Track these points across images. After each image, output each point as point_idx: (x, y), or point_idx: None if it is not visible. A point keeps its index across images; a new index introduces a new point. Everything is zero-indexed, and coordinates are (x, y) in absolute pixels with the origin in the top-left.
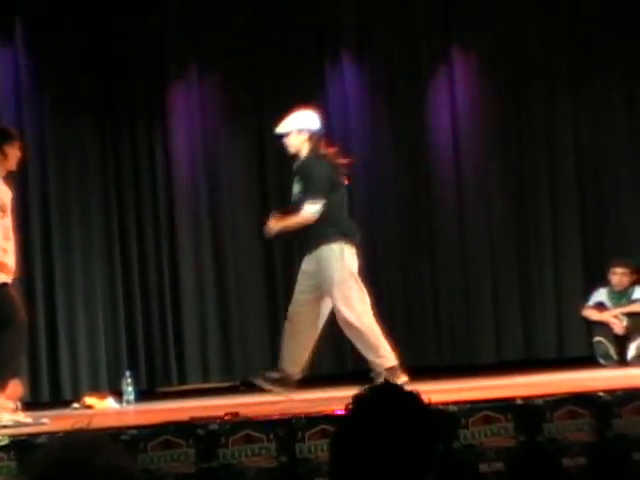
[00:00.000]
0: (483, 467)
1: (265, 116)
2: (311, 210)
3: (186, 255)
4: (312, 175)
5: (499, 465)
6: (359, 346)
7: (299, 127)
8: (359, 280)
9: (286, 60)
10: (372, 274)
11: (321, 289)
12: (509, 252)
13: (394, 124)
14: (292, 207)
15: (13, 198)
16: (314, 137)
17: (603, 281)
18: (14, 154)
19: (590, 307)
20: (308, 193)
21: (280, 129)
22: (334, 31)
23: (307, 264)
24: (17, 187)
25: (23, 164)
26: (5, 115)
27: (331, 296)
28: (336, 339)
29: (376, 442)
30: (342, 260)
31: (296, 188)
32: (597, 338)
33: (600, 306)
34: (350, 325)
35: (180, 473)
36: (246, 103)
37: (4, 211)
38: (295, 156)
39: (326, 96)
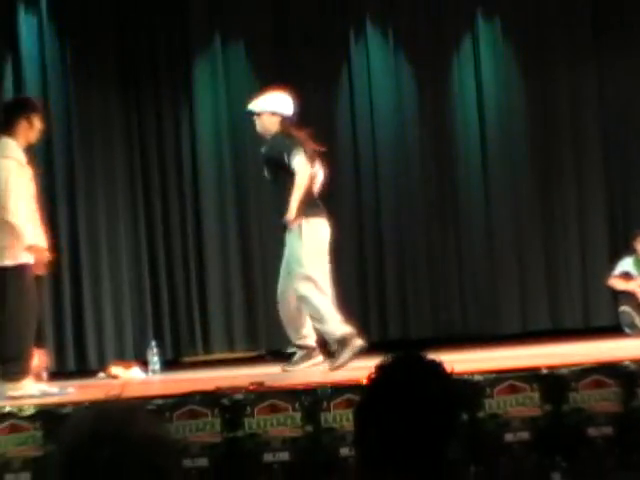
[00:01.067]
0: (508, 436)
1: (289, 85)
2: (300, 164)
3: (211, 225)
4: (282, 144)
5: (524, 435)
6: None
7: (273, 109)
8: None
9: (310, 32)
10: (398, 246)
11: None
12: (534, 223)
13: (419, 95)
14: (272, 193)
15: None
16: (285, 121)
17: (629, 250)
18: (38, 124)
19: (616, 276)
20: (284, 153)
21: (253, 107)
22: (358, 0)
23: None
24: (42, 157)
25: (47, 135)
26: (30, 84)
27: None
28: (362, 310)
29: (399, 411)
30: None
31: (267, 171)
32: (623, 307)
33: (626, 275)
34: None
35: (205, 442)
36: (270, 72)
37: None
38: (262, 136)
39: (350, 65)
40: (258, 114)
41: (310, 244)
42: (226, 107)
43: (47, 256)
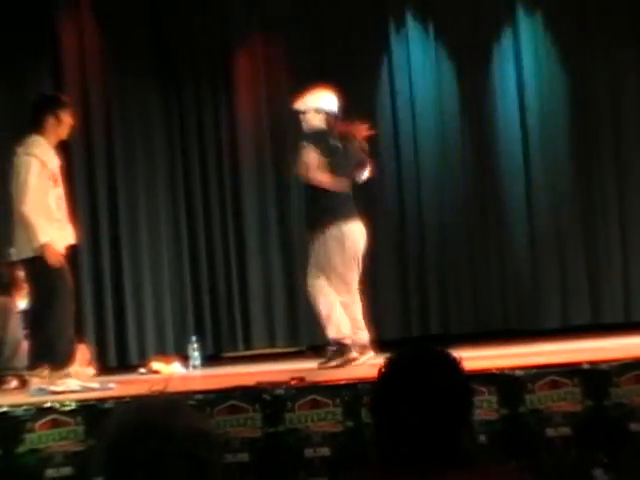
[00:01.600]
0: (550, 432)
1: (329, 82)
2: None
3: (252, 220)
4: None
5: (566, 430)
6: None
7: (317, 106)
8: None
9: (350, 25)
10: (439, 241)
11: None
12: (575, 217)
13: (459, 88)
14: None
15: (62, 166)
16: (330, 119)
17: None
18: (68, 121)
19: None
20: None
21: (298, 105)
22: None
23: None
24: (82, 157)
25: (87, 134)
26: (69, 83)
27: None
28: (404, 305)
29: (409, 403)
30: None
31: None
32: None
33: None
34: None
35: (246, 437)
36: (310, 70)
37: (55, 180)
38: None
39: (390, 58)
40: (304, 112)
41: (344, 248)
42: (265, 102)
43: (60, 257)
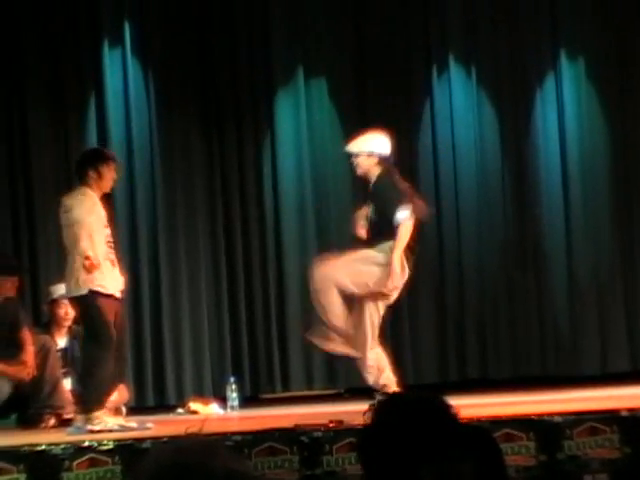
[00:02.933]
0: (587, 478)
1: (371, 121)
2: (405, 219)
3: (291, 260)
4: (389, 187)
5: (603, 477)
6: None
7: (369, 150)
8: None
9: (392, 65)
10: (478, 287)
11: None
12: (615, 263)
13: (501, 134)
14: (370, 230)
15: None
16: (383, 162)
17: None
18: (110, 175)
19: None
20: (393, 202)
21: (350, 148)
22: (442, 37)
23: None
24: (124, 190)
25: (129, 168)
26: (113, 119)
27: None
28: (441, 349)
29: (395, 451)
30: None
31: (370, 209)
32: None
33: None
34: None
35: None
36: (351, 108)
37: (105, 226)
38: (363, 178)
39: (432, 103)
40: (356, 155)
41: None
42: (308, 142)
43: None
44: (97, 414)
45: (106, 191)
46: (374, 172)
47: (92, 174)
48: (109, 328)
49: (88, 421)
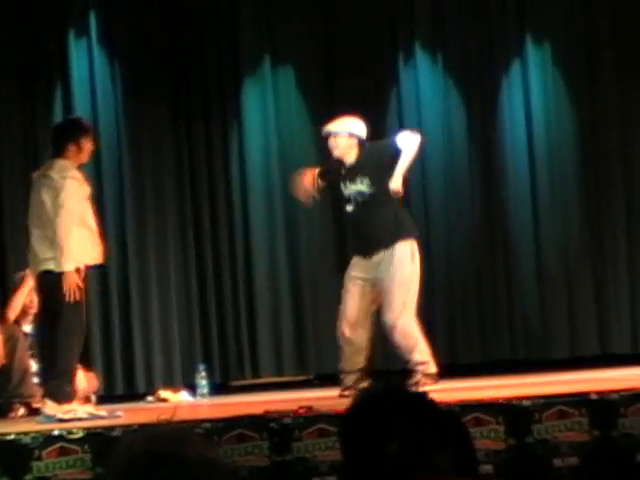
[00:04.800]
0: (557, 462)
1: (338, 109)
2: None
3: (260, 248)
4: (378, 147)
5: (573, 460)
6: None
7: (351, 131)
8: None
9: (359, 52)
10: (446, 268)
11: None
12: (583, 247)
13: (468, 119)
14: (361, 207)
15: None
16: (361, 145)
17: None
18: (88, 147)
19: None
20: (386, 148)
21: (331, 128)
22: (408, 23)
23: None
24: (92, 179)
25: (97, 157)
26: (80, 109)
27: (391, 294)
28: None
29: (375, 441)
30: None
31: (363, 184)
32: None
33: None
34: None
35: (254, 466)
36: (319, 97)
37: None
38: (338, 160)
39: (399, 89)
40: (336, 135)
41: (414, 268)
42: (275, 131)
43: (77, 289)
44: (66, 402)
45: (83, 162)
46: (352, 154)
47: (71, 147)
48: (80, 312)
49: (57, 409)
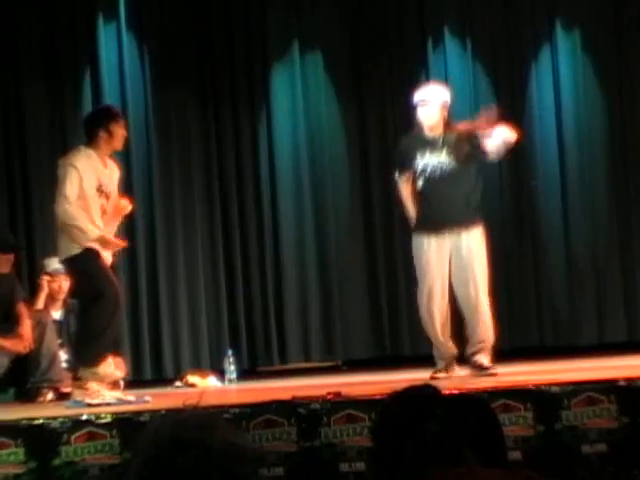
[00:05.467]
0: (585, 448)
1: (366, 94)
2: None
3: (288, 234)
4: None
5: (601, 447)
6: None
7: (444, 100)
8: None
9: (388, 38)
10: None
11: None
12: (612, 234)
13: (497, 104)
14: (440, 177)
15: (120, 177)
16: (449, 112)
17: None
18: (120, 133)
19: None
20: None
21: (427, 96)
22: (437, 8)
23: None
24: (120, 164)
25: (126, 142)
26: (109, 94)
27: (474, 279)
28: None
29: (407, 439)
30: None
31: (448, 157)
32: None
33: None
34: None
35: (282, 451)
36: (347, 82)
37: (101, 192)
38: (423, 128)
39: (428, 75)
40: (430, 103)
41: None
42: (303, 114)
43: (116, 246)
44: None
45: (118, 149)
46: (440, 123)
47: (102, 134)
48: (112, 283)
49: (96, 376)
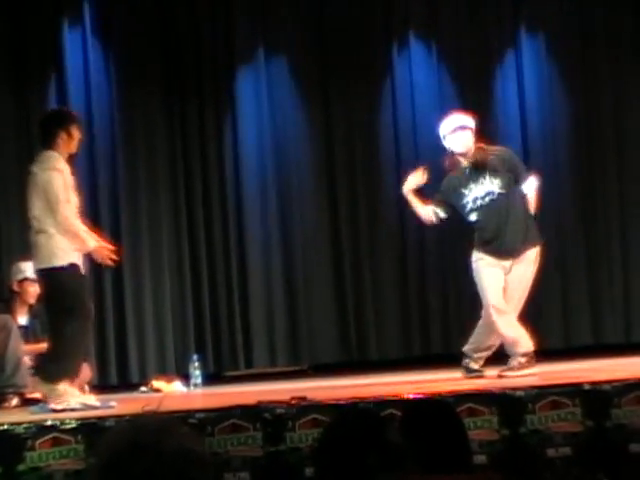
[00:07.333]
0: (550, 452)
1: (331, 98)
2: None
3: (254, 238)
4: (511, 156)
5: (566, 450)
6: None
7: (473, 127)
8: None
9: (353, 42)
10: (439, 263)
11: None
12: (577, 238)
13: (462, 108)
14: (490, 204)
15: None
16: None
17: None
18: (77, 135)
19: None
20: (523, 170)
21: (463, 122)
22: (402, 13)
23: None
24: (85, 170)
25: (91, 146)
26: (74, 98)
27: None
28: (404, 324)
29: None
30: None
31: (492, 183)
32: None
33: None
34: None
35: (247, 456)
36: (313, 85)
37: (74, 191)
38: (455, 157)
39: (393, 80)
40: (465, 129)
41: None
42: (269, 117)
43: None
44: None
45: (73, 152)
46: (472, 148)
47: (62, 135)
48: (85, 303)
49: (53, 392)
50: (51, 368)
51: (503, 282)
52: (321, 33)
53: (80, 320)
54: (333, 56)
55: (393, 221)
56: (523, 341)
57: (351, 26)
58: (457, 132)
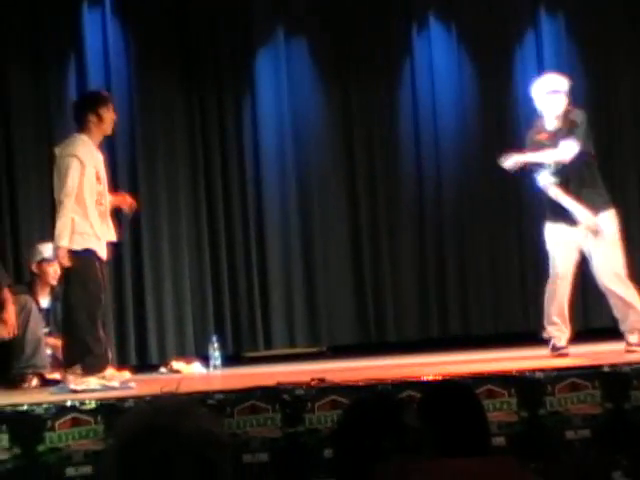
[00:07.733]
0: (569, 434)
1: (350, 79)
2: (571, 147)
3: (273, 219)
4: (583, 123)
5: (585, 432)
6: None
7: (567, 90)
8: None
9: (373, 26)
10: (458, 238)
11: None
12: None
13: (481, 89)
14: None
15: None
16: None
17: None
18: (110, 117)
19: None
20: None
21: (557, 85)
22: None
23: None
24: (104, 150)
25: (109, 137)
26: (93, 79)
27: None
28: (423, 306)
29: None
30: None
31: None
32: None
33: None
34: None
35: (266, 437)
36: (332, 66)
37: (98, 178)
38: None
39: (412, 60)
40: (559, 93)
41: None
42: (288, 98)
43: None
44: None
45: (107, 133)
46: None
47: (92, 118)
48: (101, 289)
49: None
50: (65, 353)
51: None
52: (341, 13)
53: (89, 307)
54: (352, 36)
55: (411, 202)
56: None
57: (371, 6)
58: (552, 94)
